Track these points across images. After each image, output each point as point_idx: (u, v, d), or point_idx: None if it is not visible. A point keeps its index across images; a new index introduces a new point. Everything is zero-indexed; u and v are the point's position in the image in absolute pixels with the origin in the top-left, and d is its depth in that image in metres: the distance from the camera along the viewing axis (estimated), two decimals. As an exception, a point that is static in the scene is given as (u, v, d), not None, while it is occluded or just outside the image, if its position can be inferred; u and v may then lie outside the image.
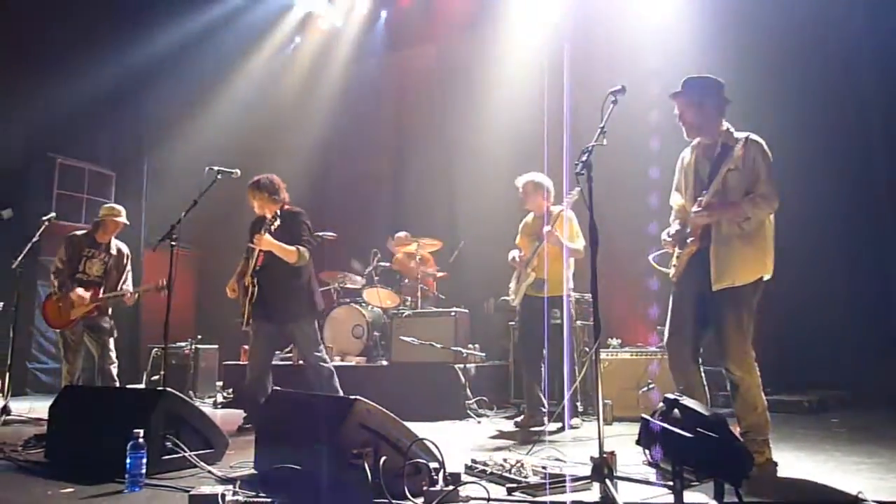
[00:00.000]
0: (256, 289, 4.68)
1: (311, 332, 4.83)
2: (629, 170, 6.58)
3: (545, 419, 5.00)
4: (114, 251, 5.74)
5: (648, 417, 2.20)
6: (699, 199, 3.33)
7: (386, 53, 9.97)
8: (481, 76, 8.47)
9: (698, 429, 1.96)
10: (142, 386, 7.56)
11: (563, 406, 4.72)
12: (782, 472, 3.14)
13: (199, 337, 7.67)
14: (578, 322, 5.78)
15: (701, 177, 3.47)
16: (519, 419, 5.09)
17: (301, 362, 5.23)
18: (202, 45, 9.45)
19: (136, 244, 7.84)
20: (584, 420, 5.13)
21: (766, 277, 3.31)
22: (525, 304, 5.11)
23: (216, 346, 7.79)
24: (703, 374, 3.45)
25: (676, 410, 2.09)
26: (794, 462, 3.40)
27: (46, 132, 8.69)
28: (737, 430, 3.34)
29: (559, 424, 4.89)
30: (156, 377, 7.41)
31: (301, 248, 4.69)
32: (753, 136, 3.36)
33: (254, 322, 4.77)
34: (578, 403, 5.24)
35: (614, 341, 5.97)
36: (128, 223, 5.85)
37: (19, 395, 6.99)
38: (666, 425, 2.04)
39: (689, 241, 3.39)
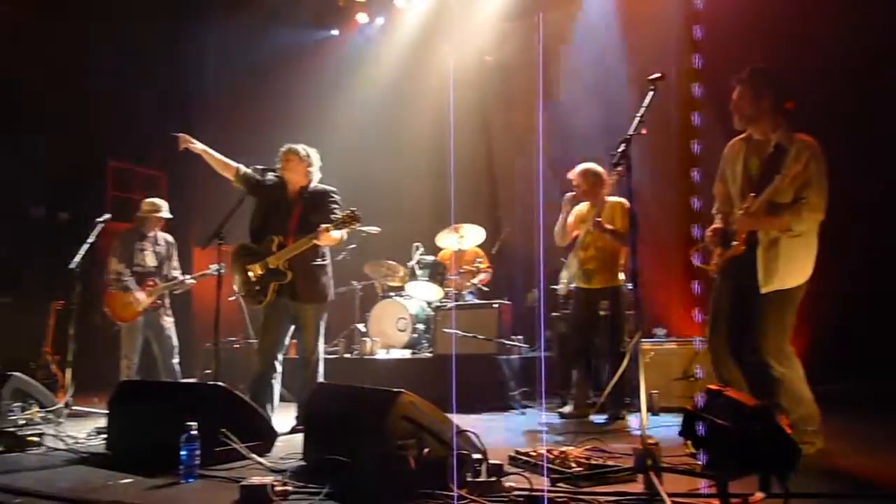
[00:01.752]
0: (289, 273, 4.42)
1: (320, 320, 4.62)
2: (678, 156, 6.49)
3: (591, 411, 4.99)
4: (162, 242, 6.03)
5: (691, 408, 2.18)
6: (745, 204, 3.26)
7: (427, 46, 9.98)
8: (521, 67, 8.44)
9: (742, 419, 1.94)
10: (195, 380, 7.79)
11: (603, 396, 4.68)
12: (836, 462, 3.08)
13: (250, 332, 7.85)
14: (627, 313, 5.73)
15: (749, 173, 3.41)
16: (564, 410, 5.09)
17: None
18: (248, 42, 9.66)
19: (187, 243, 8.04)
20: (629, 412, 5.09)
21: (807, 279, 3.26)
22: (574, 295, 5.09)
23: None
24: (745, 370, 3.41)
25: (720, 401, 2.08)
26: (850, 453, 3.33)
27: (99, 137, 9.00)
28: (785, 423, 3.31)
29: (605, 416, 4.87)
30: (207, 371, 7.63)
31: (344, 233, 4.51)
32: (810, 141, 3.27)
33: (273, 300, 4.49)
34: (626, 398, 5.20)
35: (660, 331, 5.90)
36: (170, 216, 6.10)
37: (83, 391, 7.27)
38: (708, 416, 2.03)
39: (733, 243, 3.34)
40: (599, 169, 5.00)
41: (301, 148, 4.66)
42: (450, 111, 8.58)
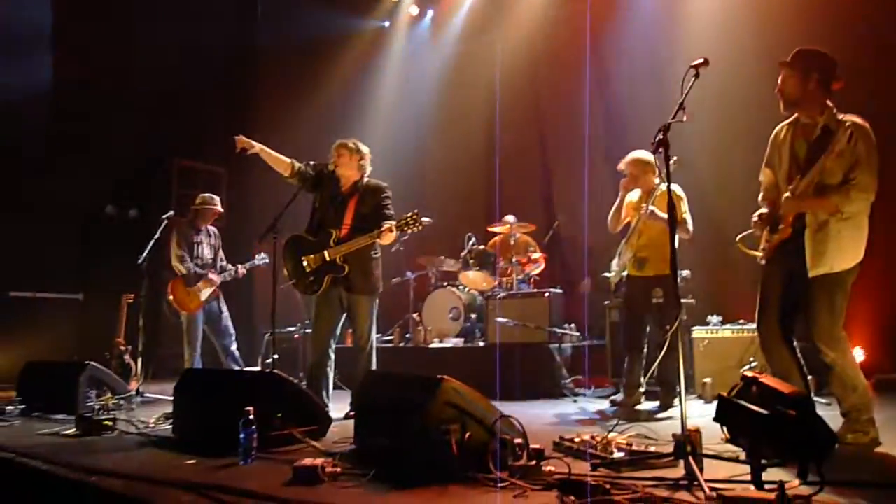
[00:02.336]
0: (345, 267, 4.56)
1: (373, 311, 4.75)
2: (738, 142, 6.35)
3: (642, 398, 4.97)
4: (213, 234, 6.38)
5: (726, 395, 2.19)
6: (791, 186, 3.21)
7: (479, 34, 10.01)
8: (575, 54, 8.37)
9: (777, 406, 1.94)
10: (257, 369, 8.10)
11: (643, 383, 4.67)
12: (884, 453, 3.03)
13: (307, 321, 8.09)
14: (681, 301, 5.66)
15: (797, 157, 3.35)
16: (615, 398, 5.09)
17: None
18: (305, 40, 9.90)
19: (247, 235, 8.33)
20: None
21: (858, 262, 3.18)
22: (627, 283, 5.07)
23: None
24: (798, 356, 3.35)
25: (755, 387, 2.08)
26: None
27: (164, 136, 9.40)
28: (839, 411, 3.26)
29: (656, 404, 4.86)
30: (268, 360, 7.90)
31: (395, 226, 4.52)
32: (859, 121, 3.19)
33: (327, 290, 4.63)
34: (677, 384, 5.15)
35: (714, 318, 5.80)
36: (222, 210, 6.43)
37: (152, 379, 7.65)
38: (742, 402, 2.04)
39: (780, 226, 3.29)
40: (649, 156, 4.93)
41: (351, 142, 4.77)
42: (496, 100, 8.63)
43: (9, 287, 8.19)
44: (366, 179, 4.80)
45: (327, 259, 4.58)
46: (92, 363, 5.18)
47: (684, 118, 2.83)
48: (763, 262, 3.42)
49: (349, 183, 4.76)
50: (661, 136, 2.74)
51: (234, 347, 6.31)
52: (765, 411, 1.95)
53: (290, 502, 2.20)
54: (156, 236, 6.17)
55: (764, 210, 3.42)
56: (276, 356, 7.76)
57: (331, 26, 10.19)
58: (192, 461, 3.04)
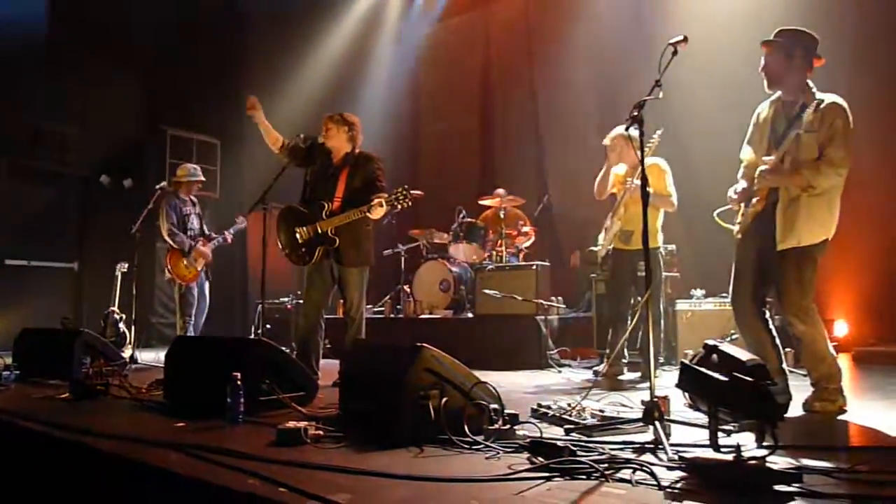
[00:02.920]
0: (336, 239, 4.62)
1: (363, 282, 4.81)
2: (722, 118, 6.40)
3: (624, 369, 5.09)
4: (197, 204, 6.49)
5: (688, 362, 2.29)
6: (765, 160, 3.29)
7: (473, 8, 9.97)
8: (568, 28, 8.37)
9: (734, 373, 2.04)
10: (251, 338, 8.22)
11: (613, 354, 4.77)
12: (846, 419, 3.16)
13: (299, 292, 8.19)
14: (664, 274, 5.76)
15: (777, 134, 3.42)
16: (598, 368, 5.21)
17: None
18: (296, 13, 9.86)
19: (240, 207, 8.38)
20: (663, 370, 5.18)
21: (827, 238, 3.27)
22: (613, 256, 5.15)
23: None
24: (771, 329, 3.46)
25: (714, 356, 2.18)
26: (871, 412, 3.38)
27: (158, 106, 9.41)
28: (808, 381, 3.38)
29: (637, 374, 4.98)
30: (259, 330, 8.01)
31: (386, 201, 4.56)
32: (836, 99, 3.27)
33: (318, 262, 4.72)
34: (661, 356, 5.27)
35: (698, 292, 5.92)
36: (203, 179, 6.57)
37: (146, 347, 7.77)
38: (701, 369, 2.13)
39: (754, 200, 3.37)
40: (634, 131, 4.97)
41: (338, 115, 4.78)
42: (489, 73, 8.62)
43: (4, 255, 8.27)
44: (357, 151, 4.82)
45: (319, 231, 4.63)
46: (86, 330, 5.29)
47: (660, 95, 2.89)
48: (738, 235, 3.51)
49: (340, 155, 4.78)
50: (636, 113, 2.79)
51: (202, 320, 6.46)
52: (723, 377, 2.05)
53: (272, 461, 2.30)
54: (148, 207, 6.22)
55: (741, 185, 3.49)
56: (267, 326, 7.92)
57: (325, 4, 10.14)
58: (181, 424, 3.14)
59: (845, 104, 3.26)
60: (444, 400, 2.63)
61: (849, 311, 6.35)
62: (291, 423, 2.71)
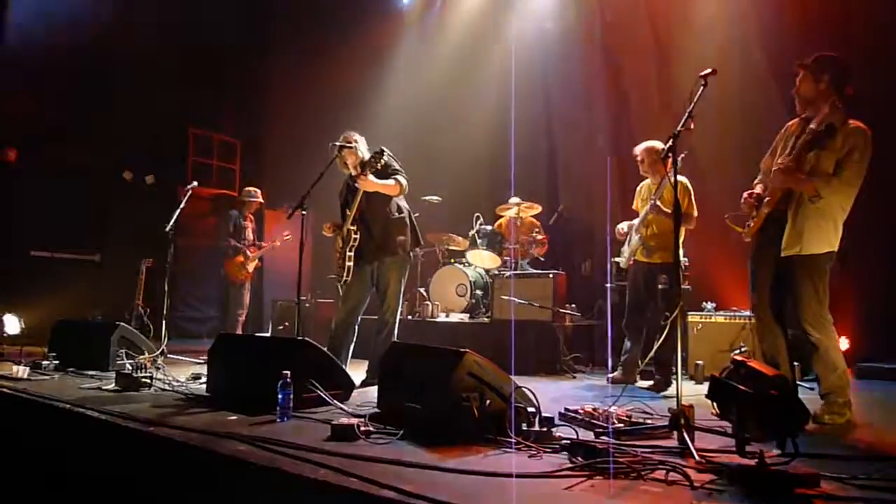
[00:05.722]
0: (358, 235, 4.86)
1: (398, 278, 4.96)
2: (737, 135, 6.62)
3: (638, 377, 5.31)
4: (253, 220, 7.85)
5: (718, 375, 2.51)
6: (779, 160, 3.53)
7: (492, 20, 10.17)
8: (585, 44, 8.57)
9: (760, 386, 2.26)
10: (268, 334, 8.45)
11: (643, 364, 4.98)
12: (857, 431, 3.37)
13: (318, 291, 8.42)
14: (684, 287, 5.96)
15: (799, 145, 3.64)
16: (613, 375, 5.42)
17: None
18: (318, 18, 10.06)
19: (259, 205, 8.59)
20: (674, 379, 5.38)
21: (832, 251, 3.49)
22: (634, 268, 5.37)
23: (332, 301, 8.54)
24: (788, 340, 3.66)
25: (742, 370, 2.40)
26: (873, 424, 3.59)
27: (182, 105, 9.61)
28: (818, 392, 3.60)
29: (651, 382, 5.20)
30: (280, 327, 8.25)
31: (398, 178, 4.83)
32: (861, 126, 3.48)
33: (359, 268, 4.90)
34: (673, 366, 5.47)
35: (709, 305, 6.13)
36: (262, 201, 8.03)
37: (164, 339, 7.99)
38: (731, 382, 2.35)
39: (765, 200, 3.59)
40: (662, 146, 5.18)
41: (341, 141, 4.96)
42: (509, 84, 8.80)
43: (30, 247, 8.47)
44: (364, 158, 4.97)
45: (344, 236, 4.89)
46: (122, 324, 5.51)
47: (692, 126, 3.10)
48: (747, 238, 3.74)
49: (355, 169, 5.00)
50: (671, 144, 3.01)
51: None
52: (750, 391, 2.27)
53: (334, 454, 2.52)
54: (181, 206, 6.44)
55: (756, 190, 3.72)
56: (286, 323, 8.15)
57: (347, 2, 10.34)
58: (234, 417, 3.36)
59: (868, 132, 3.48)
60: (487, 402, 2.85)
61: (850, 327, 6.54)
62: (344, 420, 2.93)
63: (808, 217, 3.47)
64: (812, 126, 3.52)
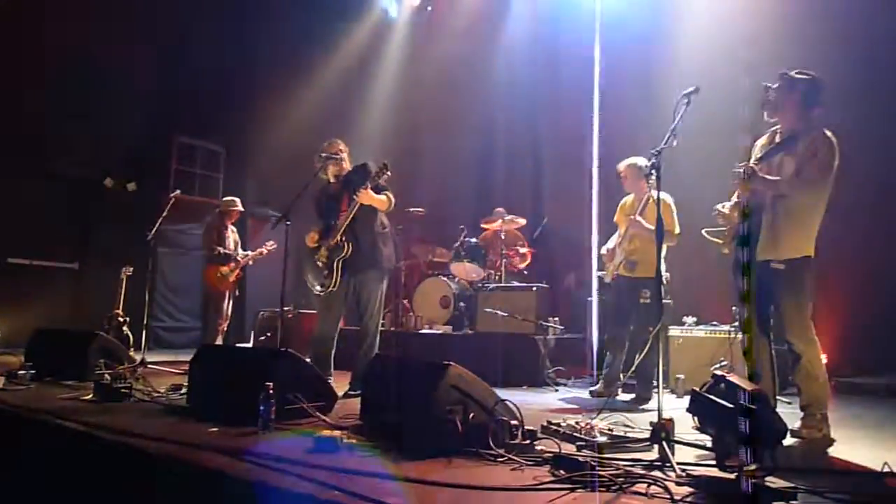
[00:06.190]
0: (349, 247, 4.89)
1: (381, 290, 5.05)
2: (717, 149, 6.70)
3: (619, 391, 5.34)
4: (234, 230, 7.59)
5: (698, 390, 2.54)
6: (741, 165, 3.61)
7: (474, 33, 10.24)
8: (568, 53, 8.66)
9: (739, 401, 2.29)
10: (250, 345, 8.39)
11: (624, 378, 5.02)
12: (837, 448, 3.41)
13: (302, 301, 8.38)
14: (665, 302, 6.01)
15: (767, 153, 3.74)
16: (594, 388, 5.45)
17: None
18: (303, 27, 10.08)
19: (244, 215, 8.55)
20: (655, 393, 5.42)
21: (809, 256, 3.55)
22: (616, 283, 5.41)
23: (315, 312, 8.50)
24: (773, 355, 3.71)
25: (722, 385, 2.43)
26: (850, 438, 3.64)
27: (165, 113, 9.56)
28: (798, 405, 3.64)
29: (632, 395, 5.23)
30: (262, 337, 8.19)
31: (388, 193, 4.94)
32: (826, 132, 3.57)
33: (339, 279, 4.93)
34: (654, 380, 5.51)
35: (690, 319, 6.19)
36: (243, 210, 7.74)
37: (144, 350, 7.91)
38: (712, 397, 2.38)
39: (733, 202, 3.69)
40: (644, 161, 5.24)
41: (326, 147, 5.05)
42: (493, 97, 8.87)
43: (6, 253, 8.36)
44: (345, 166, 5.10)
45: (332, 244, 4.90)
46: (101, 333, 5.45)
47: (675, 143, 3.15)
48: (725, 251, 3.81)
49: (338, 178, 5.08)
50: (654, 161, 3.06)
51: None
52: (730, 405, 2.30)
53: (318, 466, 2.51)
54: (163, 214, 6.40)
55: (729, 203, 3.80)
56: (268, 334, 8.10)
57: (331, 13, 10.38)
58: (214, 429, 3.33)
59: (833, 137, 3.58)
60: (471, 415, 2.86)
61: (828, 343, 6.61)
62: (327, 432, 2.92)
63: (781, 221, 3.56)
64: (778, 134, 3.66)
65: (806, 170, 3.50)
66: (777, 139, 3.71)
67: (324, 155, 4.94)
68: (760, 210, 3.62)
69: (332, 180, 5.07)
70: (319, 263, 4.95)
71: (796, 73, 3.68)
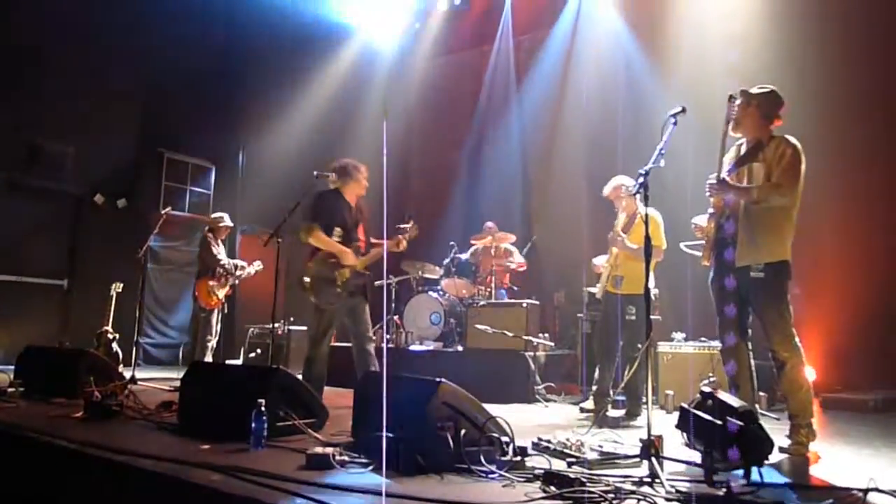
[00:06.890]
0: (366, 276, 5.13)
1: (367, 307, 5.20)
2: (706, 166, 6.79)
3: (609, 406, 5.36)
4: (224, 244, 7.35)
5: (686, 406, 2.58)
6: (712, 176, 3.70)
7: (464, 50, 10.37)
8: (558, 72, 8.78)
9: (728, 418, 2.33)
10: (240, 361, 8.36)
11: (614, 394, 5.05)
12: (824, 464, 3.45)
13: (292, 318, 8.37)
14: (652, 318, 6.06)
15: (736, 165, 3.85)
16: (584, 405, 5.47)
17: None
18: (293, 45, 10.16)
19: (233, 230, 8.55)
20: (644, 409, 5.45)
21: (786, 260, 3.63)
22: (604, 299, 5.45)
23: (305, 328, 8.49)
24: (752, 367, 3.76)
25: (710, 401, 2.47)
26: (837, 453, 3.69)
27: (155, 130, 9.58)
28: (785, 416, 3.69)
29: (622, 412, 5.26)
30: (252, 354, 8.18)
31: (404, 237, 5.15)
32: (788, 137, 3.72)
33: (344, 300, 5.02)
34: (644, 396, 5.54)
35: (679, 335, 6.24)
36: (232, 225, 7.50)
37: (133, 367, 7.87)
38: (700, 413, 2.42)
39: (709, 214, 3.78)
40: (630, 181, 5.32)
41: (360, 169, 5.19)
42: (481, 113, 8.97)
43: (-5, 271, 8.31)
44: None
45: (358, 270, 5.04)
46: (90, 350, 5.43)
47: (662, 163, 3.21)
48: (705, 262, 3.88)
49: (355, 200, 5.18)
50: (642, 181, 3.11)
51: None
52: (718, 421, 2.34)
53: (310, 483, 2.52)
54: (154, 231, 6.40)
55: (705, 216, 3.90)
56: (258, 350, 8.08)
57: (321, 30, 10.47)
58: (206, 446, 3.33)
59: (797, 142, 3.69)
60: (463, 432, 2.88)
61: (816, 358, 6.68)
62: (319, 449, 2.93)
63: (755, 227, 3.64)
64: (744, 145, 3.81)
65: (776, 174, 3.61)
66: (742, 150, 3.84)
67: (360, 174, 5.09)
68: (735, 219, 3.70)
69: (348, 198, 5.13)
70: (339, 282, 4.95)
71: (756, 88, 3.79)
